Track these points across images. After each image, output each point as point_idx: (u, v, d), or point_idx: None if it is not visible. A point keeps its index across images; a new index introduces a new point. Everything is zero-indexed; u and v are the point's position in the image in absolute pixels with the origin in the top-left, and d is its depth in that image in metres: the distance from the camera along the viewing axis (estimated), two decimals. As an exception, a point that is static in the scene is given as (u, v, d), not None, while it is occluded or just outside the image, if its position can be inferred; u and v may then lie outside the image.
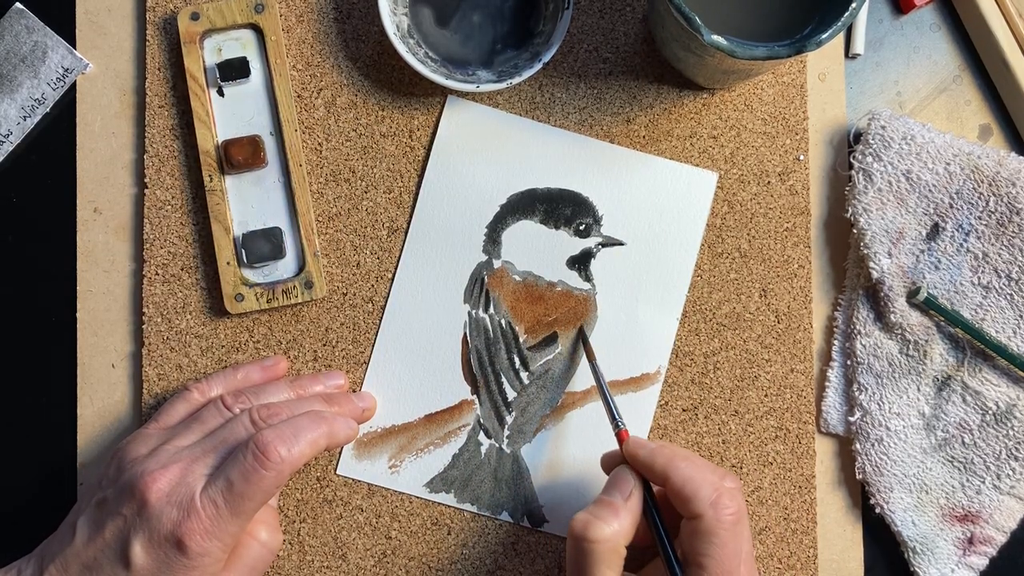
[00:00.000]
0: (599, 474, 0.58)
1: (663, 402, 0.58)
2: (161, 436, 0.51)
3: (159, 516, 0.47)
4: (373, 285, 0.58)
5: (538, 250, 0.58)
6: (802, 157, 0.59)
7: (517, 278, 0.58)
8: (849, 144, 0.59)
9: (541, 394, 0.58)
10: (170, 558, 0.47)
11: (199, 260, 0.58)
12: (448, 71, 0.57)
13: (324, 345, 0.58)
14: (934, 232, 0.57)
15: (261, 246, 0.57)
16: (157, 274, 0.58)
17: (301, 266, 0.58)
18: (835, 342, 0.59)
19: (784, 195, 0.59)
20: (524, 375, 0.58)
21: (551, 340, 0.58)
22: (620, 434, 0.53)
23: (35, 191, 0.59)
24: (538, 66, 0.55)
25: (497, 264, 0.58)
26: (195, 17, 0.57)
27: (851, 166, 0.57)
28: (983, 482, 0.57)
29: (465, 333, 0.58)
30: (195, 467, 0.48)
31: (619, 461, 0.52)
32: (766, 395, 0.58)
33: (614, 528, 0.48)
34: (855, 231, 0.57)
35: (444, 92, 0.59)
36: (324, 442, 0.50)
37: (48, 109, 0.59)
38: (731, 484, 0.50)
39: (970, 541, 0.57)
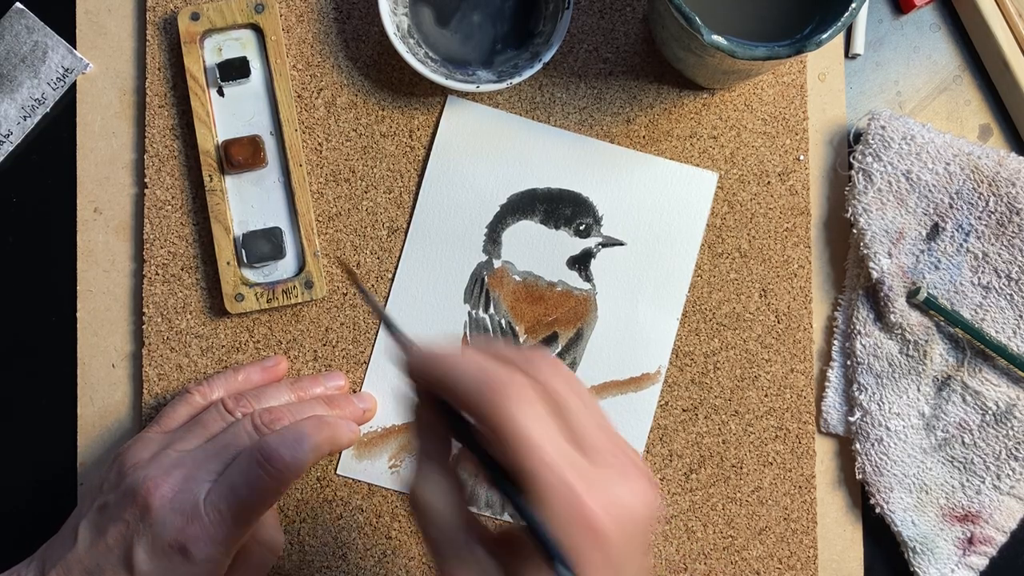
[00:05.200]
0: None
1: (663, 402, 0.58)
2: (162, 440, 0.51)
3: (162, 522, 0.46)
4: (373, 285, 0.58)
5: (538, 250, 0.58)
6: (802, 157, 0.59)
7: (517, 278, 0.58)
8: (849, 144, 0.59)
9: (541, 394, 0.58)
10: (174, 564, 0.46)
11: (199, 260, 0.58)
12: (448, 71, 0.57)
13: (324, 345, 0.58)
14: (934, 232, 0.57)
15: (261, 246, 0.57)
16: (157, 274, 0.58)
17: (301, 266, 0.58)
18: (835, 342, 0.59)
19: (784, 195, 0.59)
20: (524, 375, 0.58)
21: (551, 340, 0.58)
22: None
23: (35, 191, 0.59)
24: (538, 66, 0.55)
25: (497, 264, 0.58)
26: (195, 17, 0.57)
27: (851, 166, 0.57)
28: (983, 482, 0.57)
29: (465, 333, 0.58)
30: (198, 473, 0.48)
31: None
32: (766, 395, 0.58)
33: (433, 466, 0.39)
34: (855, 231, 0.57)
35: (444, 92, 0.59)
36: (327, 447, 0.50)
37: (48, 109, 0.59)
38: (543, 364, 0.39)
39: (970, 541, 0.57)
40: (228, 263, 0.57)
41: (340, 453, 0.58)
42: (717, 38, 0.47)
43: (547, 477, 0.35)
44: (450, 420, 0.39)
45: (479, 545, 0.37)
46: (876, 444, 0.57)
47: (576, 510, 0.34)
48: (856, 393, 0.58)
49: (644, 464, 0.37)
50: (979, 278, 0.57)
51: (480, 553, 0.37)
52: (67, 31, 0.59)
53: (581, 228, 0.58)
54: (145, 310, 0.58)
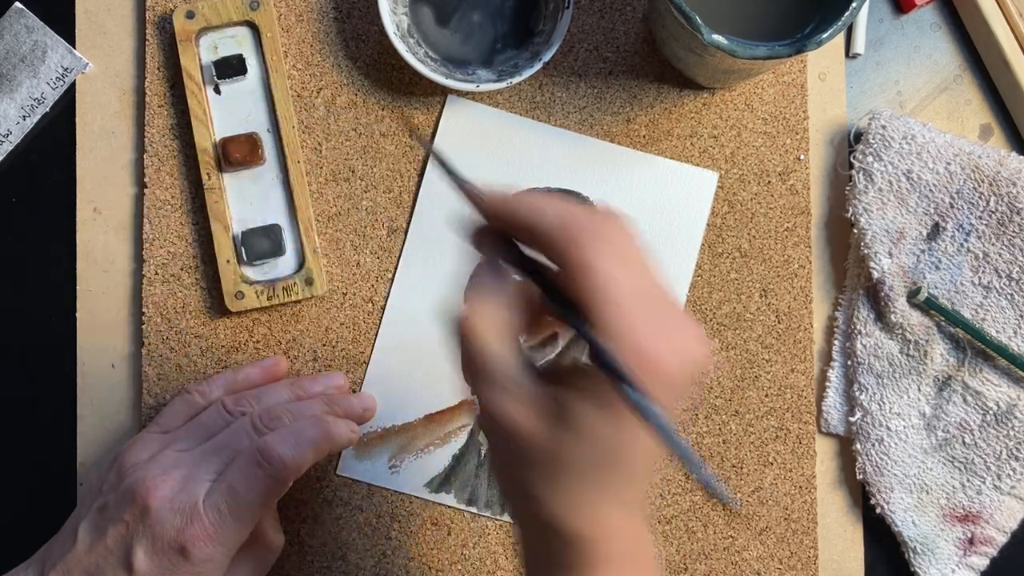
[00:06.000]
0: (599, 474, 0.58)
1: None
2: (162, 440, 0.51)
3: (162, 522, 0.46)
4: (373, 285, 0.58)
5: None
6: (802, 157, 0.59)
7: (517, 278, 0.58)
8: (849, 144, 0.59)
9: (541, 394, 0.58)
10: (174, 564, 0.46)
11: (199, 260, 0.58)
12: (448, 71, 0.57)
13: (324, 345, 0.58)
14: (935, 232, 0.57)
15: (261, 243, 0.57)
16: (157, 274, 0.58)
17: (301, 263, 0.58)
18: (835, 342, 0.59)
19: (784, 195, 0.59)
20: (524, 375, 0.58)
21: (551, 340, 0.58)
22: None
23: (35, 191, 0.59)
24: (538, 65, 0.55)
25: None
26: (191, 15, 0.57)
27: (851, 166, 0.57)
28: (983, 482, 0.57)
29: (465, 333, 0.58)
30: (197, 473, 0.48)
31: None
32: (766, 395, 0.58)
33: (490, 298, 0.39)
34: (855, 231, 0.57)
35: (444, 92, 0.59)
36: (326, 447, 0.50)
37: (48, 109, 0.59)
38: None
39: (971, 541, 0.57)
40: (228, 261, 0.57)
41: (340, 453, 0.58)
42: (717, 37, 0.47)
43: (618, 314, 0.36)
44: (512, 255, 0.40)
45: (532, 378, 0.38)
46: (877, 444, 0.57)
47: (642, 345, 0.36)
48: (857, 393, 0.57)
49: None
50: (980, 278, 0.57)
51: (533, 386, 0.38)
52: (67, 31, 0.59)
53: (581, 228, 0.58)
54: (145, 310, 0.58)
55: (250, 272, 0.58)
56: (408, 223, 0.58)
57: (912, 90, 0.61)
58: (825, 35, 0.47)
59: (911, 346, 0.57)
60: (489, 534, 0.58)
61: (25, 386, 0.59)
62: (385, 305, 0.58)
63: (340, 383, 0.57)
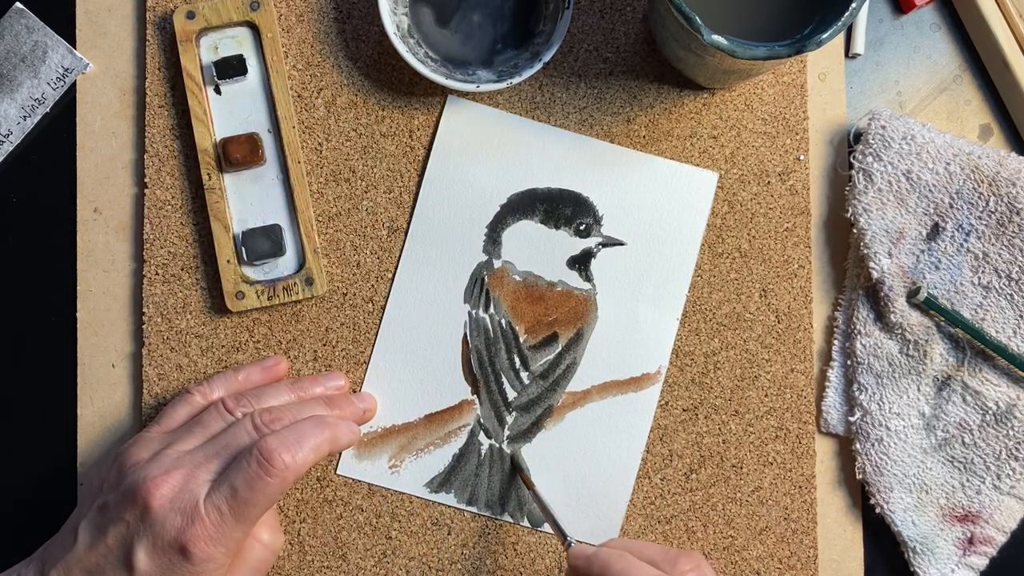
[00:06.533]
0: (599, 474, 0.58)
1: (663, 402, 0.58)
2: (162, 440, 0.51)
3: (163, 522, 0.47)
4: (373, 285, 0.58)
5: (538, 250, 0.58)
6: (802, 157, 0.59)
7: (517, 278, 0.58)
8: (849, 144, 0.59)
9: (541, 394, 0.58)
10: (174, 564, 0.47)
11: (199, 259, 0.58)
12: (448, 71, 0.57)
13: (324, 345, 0.58)
14: (934, 232, 0.57)
15: (261, 243, 0.57)
16: (157, 274, 0.58)
17: (301, 263, 0.58)
18: (835, 342, 0.59)
19: (784, 195, 0.59)
20: (524, 375, 0.58)
21: (551, 340, 0.58)
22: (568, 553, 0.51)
23: (35, 191, 0.59)
24: (538, 66, 0.55)
25: (497, 264, 0.58)
26: (191, 16, 0.57)
27: (851, 166, 0.57)
28: (983, 482, 0.57)
29: (465, 333, 0.58)
30: (198, 473, 0.48)
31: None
32: (766, 395, 0.58)
33: None
34: (855, 231, 0.57)
35: (444, 92, 0.59)
36: (327, 448, 0.50)
37: (48, 109, 0.59)
38: (686, 566, 0.48)
39: (970, 541, 0.57)
40: (228, 261, 0.57)
41: (340, 453, 0.58)
42: (717, 38, 0.47)
43: None
44: None
45: None
46: (876, 444, 0.57)
47: None
48: (856, 393, 0.58)
49: None
50: (979, 278, 0.57)
51: None
52: (67, 31, 0.59)
53: (581, 228, 0.58)
54: (145, 310, 0.58)
55: (250, 272, 0.58)
56: (408, 223, 0.59)
57: (912, 90, 0.61)
58: (825, 35, 0.47)
59: (911, 346, 0.57)
60: (489, 534, 0.58)
61: (25, 386, 0.59)
62: (385, 305, 0.58)
63: (340, 383, 0.57)
